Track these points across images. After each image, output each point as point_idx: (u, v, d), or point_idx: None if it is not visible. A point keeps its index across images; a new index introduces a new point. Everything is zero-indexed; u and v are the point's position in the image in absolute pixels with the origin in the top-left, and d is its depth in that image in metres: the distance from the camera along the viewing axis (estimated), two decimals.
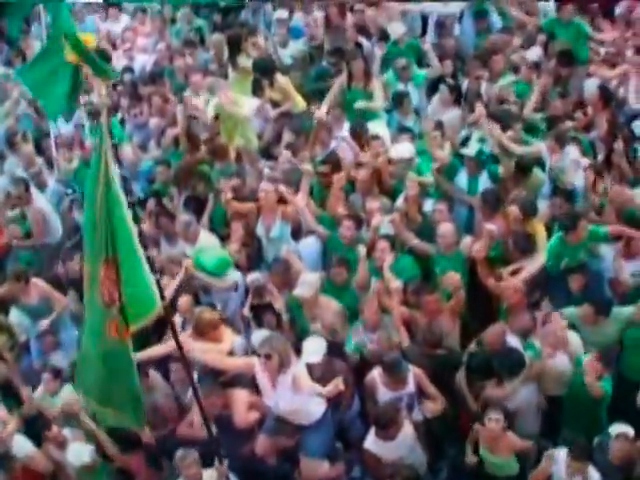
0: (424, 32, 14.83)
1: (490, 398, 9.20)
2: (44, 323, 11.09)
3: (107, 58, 11.39)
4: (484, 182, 11.41)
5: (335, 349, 9.70)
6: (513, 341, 9.57)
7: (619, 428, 8.51)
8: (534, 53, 13.51)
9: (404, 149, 11.51)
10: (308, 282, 10.01)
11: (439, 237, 10.44)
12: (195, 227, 11.22)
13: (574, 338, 9.50)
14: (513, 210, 10.48)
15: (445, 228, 10.44)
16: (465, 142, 11.83)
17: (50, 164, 13.74)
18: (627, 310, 9.76)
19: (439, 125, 11.93)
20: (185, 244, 11.19)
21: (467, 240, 10.44)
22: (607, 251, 10.48)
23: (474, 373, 9.45)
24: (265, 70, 12.79)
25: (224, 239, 11.34)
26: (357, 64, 12.79)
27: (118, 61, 15.85)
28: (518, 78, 13.00)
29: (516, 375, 9.23)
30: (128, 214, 7.39)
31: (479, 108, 11.85)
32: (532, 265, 10.28)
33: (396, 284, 9.87)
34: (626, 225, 10.30)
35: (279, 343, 8.97)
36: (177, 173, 12.41)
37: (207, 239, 11.22)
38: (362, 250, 10.28)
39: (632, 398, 9.11)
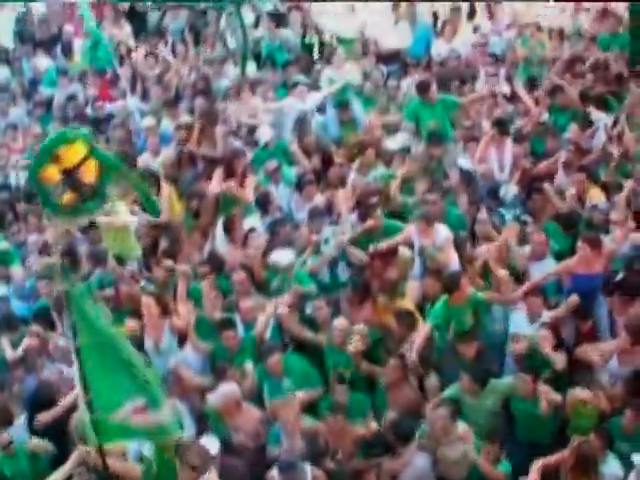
0: None
1: (390, 471, 9.33)
2: None
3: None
4: (343, 271, 11.76)
5: (258, 454, 9.79)
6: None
7: None
8: (398, 141, 13.90)
9: (283, 257, 11.63)
10: (224, 393, 9.97)
11: (334, 330, 10.59)
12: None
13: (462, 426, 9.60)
14: (381, 299, 10.81)
15: (340, 322, 10.62)
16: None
17: None
18: (505, 382, 10.01)
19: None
20: (62, 365, 11.05)
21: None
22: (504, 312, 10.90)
23: (371, 450, 9.55)
24: (149, 182, 12.77)
25: None
26: (237, 163, 12.94)
27: None
28: (388, 170, 13.36)
29: (410, 441, 9.37)
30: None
31: (341, 195, 12.19)
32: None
33: (301, 396, 9.93)
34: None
35: (200, 452, 9.03)
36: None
37: None
38: (248, 366, 10.37)
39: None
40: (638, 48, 15.22)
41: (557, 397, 9.65)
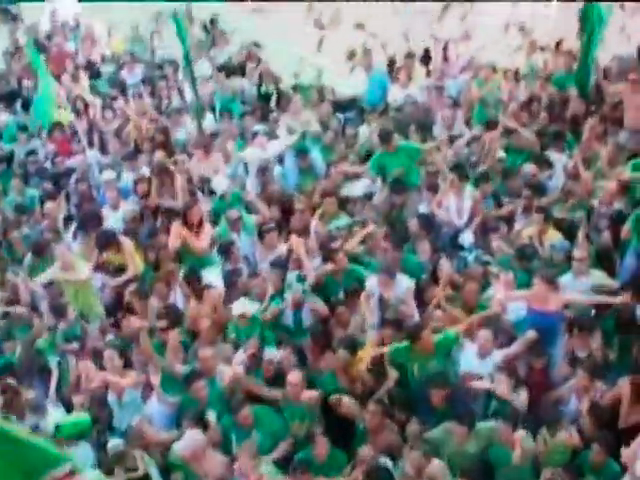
0: None
1: None
2: None
3: None
4: (307, 315, 11.82)
5: None
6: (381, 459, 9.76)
7: None
8: (360, 188, 14.05)
9: (244, 305, 11.65)
10: (189, 439, 9.96)
11: (288, 385, 10.57)
12: (41, 402, 11.16)
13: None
14: (341, 353, 10.78)
15: (293, 376, 10.59)
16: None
17: None
18: (488, 426, 9.99)
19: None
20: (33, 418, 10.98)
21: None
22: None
23: None
24: (107, 243, 12.85)
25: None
26: (193, 213, 12.97)
27: None
28: (351, 218, 13.45)
29: None
30: None
31: (296, 242, 12.22)
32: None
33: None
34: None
35: None
36: (23, 349, 12.25)
37: (55, 413, 11.14)
38: (211, 415, 10.41)
39: None
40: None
41: (530, 444, 9.68)
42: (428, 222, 12.88)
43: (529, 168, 13.79)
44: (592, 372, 10.13)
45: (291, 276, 12.02)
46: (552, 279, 10.82)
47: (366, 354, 10.81)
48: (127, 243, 12.94)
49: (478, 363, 10.66)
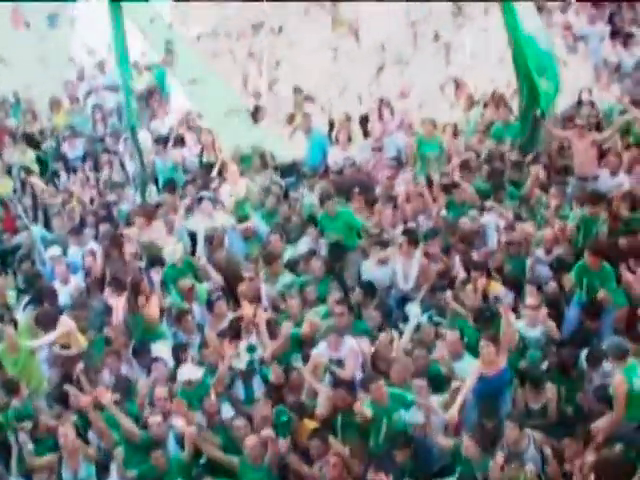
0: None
1: None
2: None
3: None
4: (258, 386, 11.88)
5: None
6: None
7: None
8: (303, 245, 14.21)
9: (190, 372, 11.69)
10: None
11: (246, 449, 10.60)
12: (3, 477, 11.13)
13: None
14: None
15: (251, 441, 10.61)
16: None
17: None
18: None
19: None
20: None
21: None
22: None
23: None
24: (48, 323, 12.72)
25: None
26: (142, 286, 12.99)
27: None
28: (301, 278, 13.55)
29: None
30: None
31: (251, 311, 12.27)
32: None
33: None
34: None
35: None
36: None
37: None
38: None
39: None
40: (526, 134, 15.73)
41: None
42: (370, 289, 12.88)
43: (467, 222, 13.95)
44: (521, 423, 10.15)
45: (242, 346, 12.04)
46: (497, 339, 10.90)
47: (310, 424, 10.95)
48: (66, 323, 12.75)
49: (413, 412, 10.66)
